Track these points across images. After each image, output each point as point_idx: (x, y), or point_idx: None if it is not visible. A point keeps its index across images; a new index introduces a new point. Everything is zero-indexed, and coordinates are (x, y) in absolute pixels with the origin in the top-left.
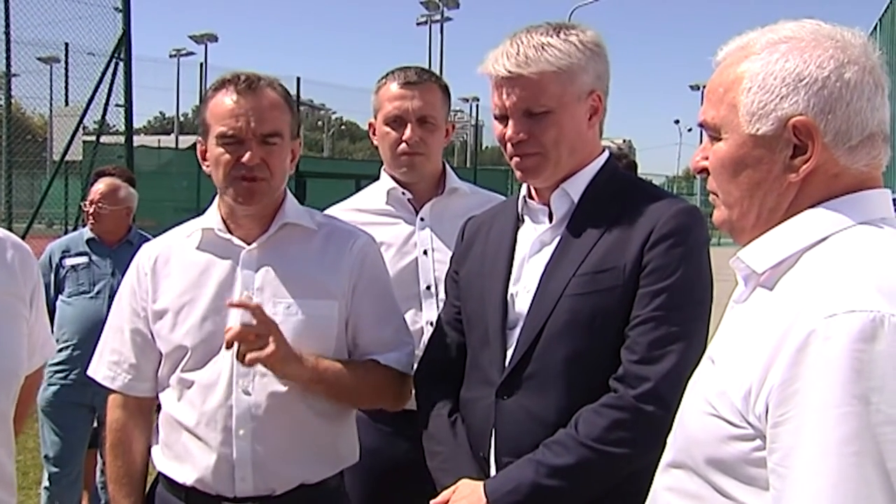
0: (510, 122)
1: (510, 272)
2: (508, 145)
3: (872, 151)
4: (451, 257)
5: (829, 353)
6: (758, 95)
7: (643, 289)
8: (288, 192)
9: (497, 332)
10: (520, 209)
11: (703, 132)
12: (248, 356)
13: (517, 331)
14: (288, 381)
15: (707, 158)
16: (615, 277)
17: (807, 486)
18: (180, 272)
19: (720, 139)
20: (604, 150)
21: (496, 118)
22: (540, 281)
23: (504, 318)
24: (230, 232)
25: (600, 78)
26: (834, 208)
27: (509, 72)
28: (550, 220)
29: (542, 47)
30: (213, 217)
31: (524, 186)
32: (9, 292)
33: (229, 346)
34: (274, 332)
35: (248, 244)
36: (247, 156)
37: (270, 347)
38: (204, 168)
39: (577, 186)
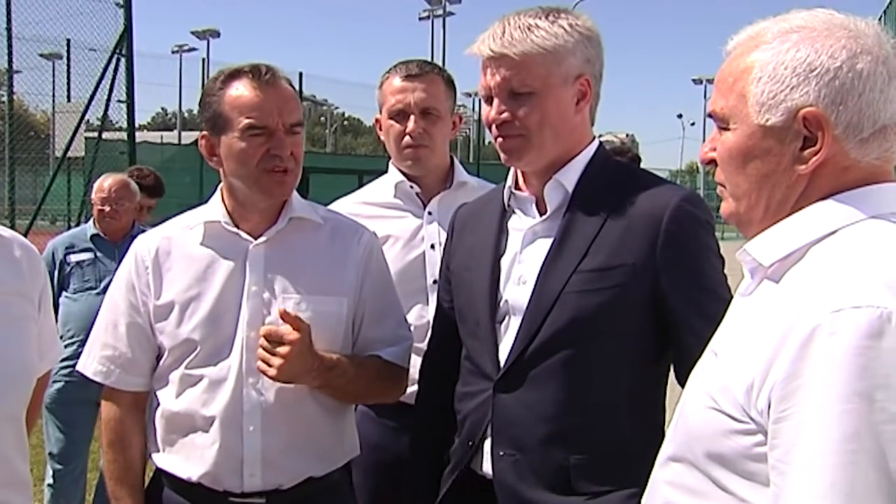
0: (494, 103)
1: (498, 265)
2: (493, 127)
3: (885, 144)
4: (443, 252)
5: (834, 349)
6: (768, 85)
7: (673, 288)
8: None
9: (487, 325)
10: (506, 200)
11: (713, 123)
12: (258, 365)
13: (511, 324)
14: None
15: (715, 149)
16: (622, 275)
17: (805, 484)
18: (184, 266)
19: (729, 129)
20: (594, 139)
21: (483, 100)
22: (538, 275)
23: (493, 312)
24: (236, 225)
25: (590, 62)
26: (844, 201)
27: (493, 51)
28: (539, 210)
29: (529, 28)
30: (217, 209)
31: (510, 177)
32: (17, 293)
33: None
34: (294, 348)
35: (255, 238)
36: (280, 147)
37: (275, 366)
38: (210, 163)
39: (570, 176)
